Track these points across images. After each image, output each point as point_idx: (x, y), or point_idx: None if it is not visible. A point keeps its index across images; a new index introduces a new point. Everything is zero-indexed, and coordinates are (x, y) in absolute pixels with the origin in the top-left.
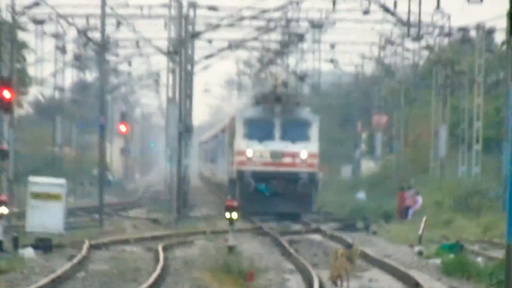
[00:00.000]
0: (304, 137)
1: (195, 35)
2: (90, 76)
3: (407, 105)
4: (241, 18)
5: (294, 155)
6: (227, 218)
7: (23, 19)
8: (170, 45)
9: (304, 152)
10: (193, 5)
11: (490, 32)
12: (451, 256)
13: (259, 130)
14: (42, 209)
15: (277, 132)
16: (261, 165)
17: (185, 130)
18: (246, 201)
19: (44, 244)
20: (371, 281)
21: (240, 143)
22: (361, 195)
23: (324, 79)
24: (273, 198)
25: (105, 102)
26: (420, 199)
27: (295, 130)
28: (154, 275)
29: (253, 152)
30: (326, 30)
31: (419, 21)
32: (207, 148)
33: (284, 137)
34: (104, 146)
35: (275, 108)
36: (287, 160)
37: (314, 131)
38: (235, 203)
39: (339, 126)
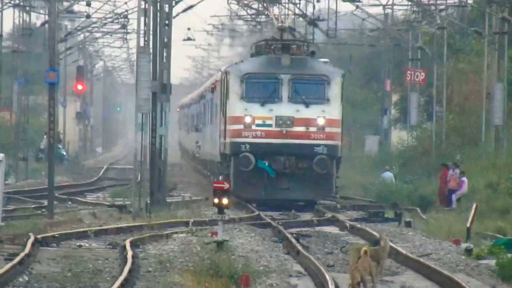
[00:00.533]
0: (322, 98)
1: None
2: (37, 19)
3: (451, 58)
4: None
5: (308, 122)
6: (215, 205)
7: None
8: None
9: (322, 118)
10: None
11: None
12: (509, 255)
13: (261, 89)
14: None
15: (285, 92)
16: (264, 136)
17: (161, 89)
18: (243, 184)
19: None
20: (404, 287)
21: (236, 106)
22: (389, 174)
23: (342, 23)
24: (279, 180)
25: (56, 53)
26: (466, 181)
27: (310, 89)
28: (120, 279)
29: (252, 119)
30: None
31: None
32: (191, 114)
33: (295, 98)
34: (54, 110)
35: (283, 59)
36: (299, 129)
37: (335, 90)
38: (226, 185)
39: (362, 85)
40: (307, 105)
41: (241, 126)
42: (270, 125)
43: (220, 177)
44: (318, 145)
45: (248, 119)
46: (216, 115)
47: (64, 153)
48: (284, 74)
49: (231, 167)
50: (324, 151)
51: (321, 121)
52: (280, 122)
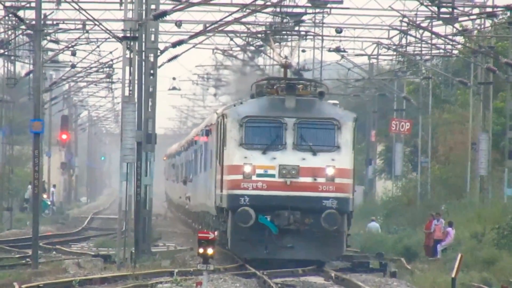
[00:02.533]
0: (331, 145)
1: (160, 15)
2: (22, 68)
3: (436, 108)
4: None
5: (315, 172)
6: (200, 255)
7: None
8: (126, 28)
9: (331, 167)
10: None
11: None
12: None
13: (262, 134)
14: None
15: (289, 138)
16: (266, 188)
17: (146, 140)
18: (241, 242)
19: None
20: None
21: (234, 154)
22: (375, 225)
23: (327, 73)
24: (283, 238)
25: (41, 103)
26: (452, 231)
27: (318, 135)
28: None
29: (253, 168)
30: (331, 11)
31: None
32: (179, 163)
33: (301, 145)
34: (39, 160)
35: (287, 101)
36: (305, 179)
37: (346, 136)
38: (211, 235)
39: None
40: (314, 152)
41: (240, 177)
42: (272, 175)
43: (216, 233)
44: (327, 198)
45: (248, 169)
46: (211, 163)
47: (49, 203)
48: (289, 118)
49: (228, 223)
50: (334, 204)
51: (330, 171)
52: (284, 172)
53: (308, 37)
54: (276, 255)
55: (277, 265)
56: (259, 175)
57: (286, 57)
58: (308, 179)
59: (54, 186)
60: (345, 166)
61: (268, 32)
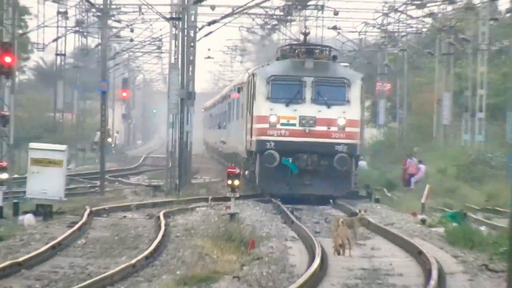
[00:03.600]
0: (343, 100)
1: (198, 1)
2: (92, 42)
3: (410, 73)
4: None
5: (329, 122)
6: (229, 185)
7: None
8: (173, 11)
9: (342, 118)
10: None
11: None
12: (454, 224)
13: (285, 90)
14: (43, 176)
15: (308, 93)
16: (288, 135)
17: (187, 96)
18: (268, 179)
19: (44, 211)
20: (374, 249)
21: (262, 106)
22: (363, 163)
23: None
24: (302, 177)
25: (106, 68)
26: (423, 167)
27: (332, 91)
28: (155, 242)
29: (277, 118)
30: None
31: None
32: (214, 114)
33: (318, 99)
34: (105, 112)
35: (306, 63)
36: (321, 128)
37: (355, 93)
38: (237, 170)
39: None
40: (328, 106)
41: (266, 125)
42: (294, 125)
43: (246, 173)
44: (339, 144)
45: (273, 119)
46: (242, 113)
47: (113, 145)
48: (308, 77)
49: (256, 164)
50: (344, 149)
51: (341, 121)
52: (304, 121)
53: (311, 18)
54: (296, 190)
55: (296, 200)
56: (282, 124)
57: (306, 27)
58: (323, 128)
59: (117, 132)
60: (354, 118)
61: (292, 5)
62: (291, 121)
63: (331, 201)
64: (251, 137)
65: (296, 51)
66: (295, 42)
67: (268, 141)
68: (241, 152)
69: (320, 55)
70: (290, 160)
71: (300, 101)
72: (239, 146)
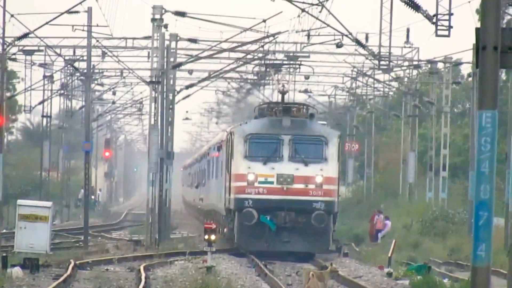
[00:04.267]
0: (320, 158)
1: (177, 66)
2: (77, 104)
3: (377, 134)
4: (221, 51)
5: (307, 179)
6: (205, 240)
7: (13, 50)
8: (152, 75)
9: (320, 176)
10: (175, 38)
11: (457, 64)
12: (419, 277)
13: (263, 148)
14: (30, 230)
15: (286, 151)
16: (266, 193)
17: (166, 156)
18: (246, 237)
19: (31, 264)
20: None
21: (240, 164)
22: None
23: None
24: (280, 234)
25: (90, 129)
26: (389, 223)
27: (309, 149)
28: None
29: (255, 176)
30: (301, 63)
31: (389, 54)
32: (193, 172)
33: (295, 157)
34: (89, 171)
35: (284, 121)
36: (299, 186)
37: (332, 150)
38: (213, 226)
39: None
40: (306, 163)
41: (244, 183)
42: (272, 182)
43: (225, 230)
44: (316, 201)
45: (251, 177)
46: (222, 172)
47: (96, 200)
48: (285, 135)
49: (235, 221)
50: (322, 207)
51: (319, 179)
52: (281, 179)
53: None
54: (274, 247)
55: (274, 256)
56: (260, 182)
57: (283, 85)
58: (301, 186)
59: (100, 189)
60: (331, 175)
61: (265, 70)
62: (269, 179)
63: None
64: (229, 195)
65: (274, 109)
66: (272, 101)
67: (246, 199)
68: (220, 209)
69: (297, 113)
70: (268, 217)
71: (278, 159)
72: (218, 204)
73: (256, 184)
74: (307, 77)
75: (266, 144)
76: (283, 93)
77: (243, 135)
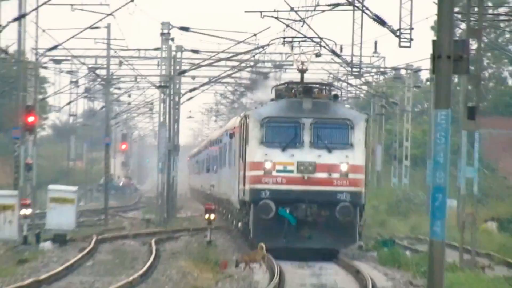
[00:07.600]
0: (345, 143)
1: (181, 72)
2: (98, 105)
3: None
4: (218, 60)
5: (331, 168)
6: (206, 219)
7: (44, 59)
8: (161, 80)
9: (345, 164)
10: (180, 49)
11: (417, 71)
12: (385, 249)
13: (281, 133)
14: (59, 211)
15: (307, 136)
16: (285, 183)
17: (173, 148)
18: (262, 232)
19: (60, 239)
20: (321, 269)
21: (256, 151)
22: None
23: None
24: (300, 229)
25: (109, 126)
26: None
27: (333, 134)
28: (148, 263)
29: (273, 164)
30: (285, 70)
31: (360, 62)
32: (201, 159)
33: (317, 143)
34: (109, 161)
35: (304, 103)
36: (321, 175)
37: (358, 135)
38: (213, 206)
39: None
40: (329, 150)
41: (261, 172)
42: (291, 171)
43: (239, 225)
44: (341, 192)
45: (268, 165)
46: (235, 161)
47: (119, 184)
48: (306, 118)
49: (250, 215)
50: (348, 198)
51: (344, 167)
52: (302, 168)
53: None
54: (294, 244)
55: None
56: (278, 171)
57: (302, 63)
58: (324, 175)
59: (118, 177)
60: (358, 163)
61: (256, 77)
62: (288, 168)
63: None
64: (244, 185)
65: (293, 90)
66: (292, 81)
67: (263, 189)
68: (234, 202)
69: (319, 94)
70: (288, 210)
71: (298, 145)
72: (232, 196)
73: (274, 173)
74: (286, 82)
75: (285, 128)
76: (302, 71)
77: (259, 119)
